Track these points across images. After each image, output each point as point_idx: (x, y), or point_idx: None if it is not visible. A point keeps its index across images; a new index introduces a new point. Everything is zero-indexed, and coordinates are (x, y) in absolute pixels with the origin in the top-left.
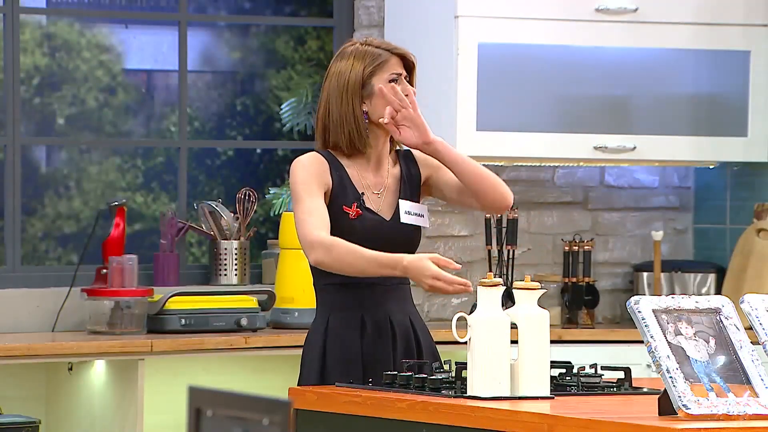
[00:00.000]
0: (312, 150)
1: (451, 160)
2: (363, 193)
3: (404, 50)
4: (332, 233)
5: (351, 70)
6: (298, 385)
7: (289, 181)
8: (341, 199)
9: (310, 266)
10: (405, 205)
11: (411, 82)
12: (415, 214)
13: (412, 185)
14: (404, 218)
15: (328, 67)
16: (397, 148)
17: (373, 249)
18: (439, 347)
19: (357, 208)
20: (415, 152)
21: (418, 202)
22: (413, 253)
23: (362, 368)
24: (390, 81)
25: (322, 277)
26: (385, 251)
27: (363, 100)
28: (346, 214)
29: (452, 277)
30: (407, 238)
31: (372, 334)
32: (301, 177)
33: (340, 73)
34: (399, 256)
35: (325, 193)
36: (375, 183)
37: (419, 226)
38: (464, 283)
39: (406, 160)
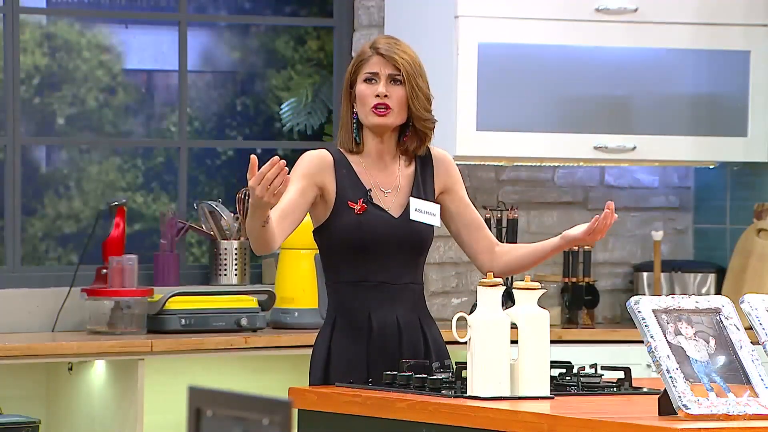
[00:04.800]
0: (316, 148)
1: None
2: (371, 190)
3: (385, 48)
4: (339, 229)
5: (348, 69)
6: (309, 384)
7: None
8: (347, 196)
9: (323, 264)
10: (415, 203)
11: (407, 88)
12: (426, 212)
13: (427, 185)
14: (414, 215)
15: None
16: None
17: (382, 247)
18: None
19: (363, 203)
20: (434, 157)
21: (433, 201)
22: (425, 252)
23: (367, 368)
24: (364, 81)
25: (331, 275)
26: (394, 249)
27: (353, 100)
28: (352, 210)
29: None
30: (418, 237)
31: (378, 334)
32: (294, 169)
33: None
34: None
35: (322, 190)
36: (384, 182)
37: (431, 226)
38: (272, 163)
39: (422, 161)
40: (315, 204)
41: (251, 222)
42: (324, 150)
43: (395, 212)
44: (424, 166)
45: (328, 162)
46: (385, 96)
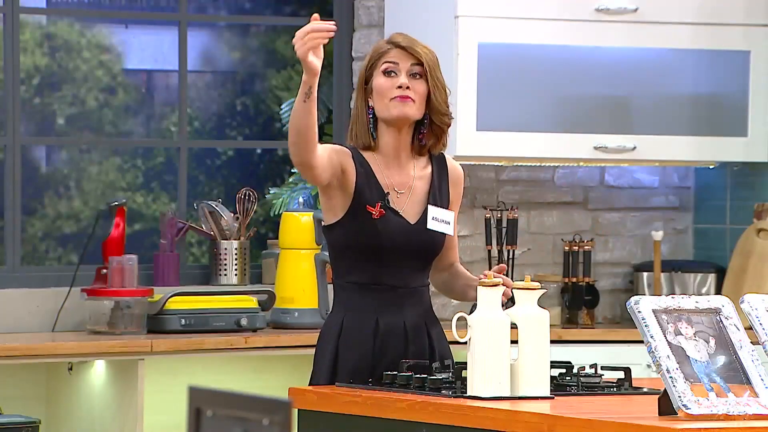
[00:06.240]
0: None
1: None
2: (388, 193)
3: (405, 42)
4: (354, 231)
5: (362, 66)
6: (310, 382)
7: None
8: (366, 196)
9: (332, 262)
10: (433, 211)
11: (429, 80)
12: (442, 221)
13: (443, 192)
14: (431, 224)
15: None
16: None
17: (396, 253)
18: None
19: (381, 208)
20: (450, 167)
21: (446, 208)
22: (434, 258)
23: (372, 371)
24: (384, 72)
25: (340, 274)
26: (408, 256)
27: (368, 95)
28: (369, 214)
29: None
30: (431, 245)
31: (385, 337)
32: None
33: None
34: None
35: (343, 173)
36: (399, 182)
37: (444, 234)
38: (316, 21)
39: (439, 165)
40: (332, 189)
41: (297, 100)
42: (340, 145)
43: (411, 218)
44: (441, 172)
45: (346, 152)
46: (407, 87)
